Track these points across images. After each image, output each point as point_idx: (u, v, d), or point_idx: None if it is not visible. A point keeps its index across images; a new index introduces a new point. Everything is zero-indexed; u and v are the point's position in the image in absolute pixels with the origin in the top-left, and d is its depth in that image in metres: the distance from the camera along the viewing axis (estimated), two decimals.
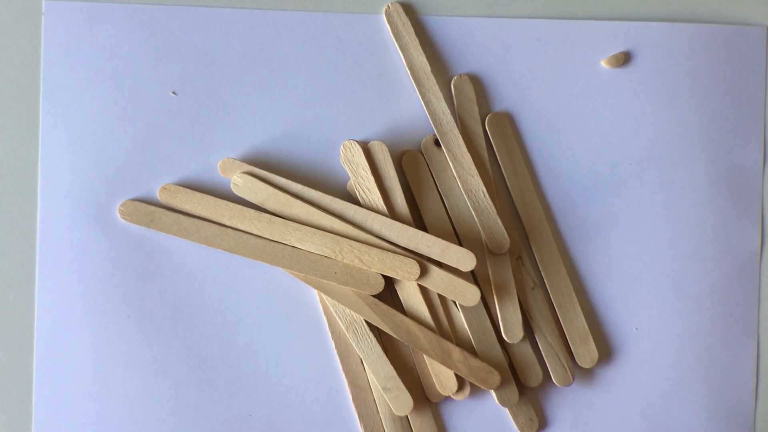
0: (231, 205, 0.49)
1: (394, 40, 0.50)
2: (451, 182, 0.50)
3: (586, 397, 0.52)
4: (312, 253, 0.48)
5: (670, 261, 0.53)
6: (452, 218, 0.51)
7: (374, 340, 0.49)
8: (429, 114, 0.50)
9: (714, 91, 0.53)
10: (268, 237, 0.48)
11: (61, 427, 0.49)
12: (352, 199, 0.50)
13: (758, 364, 0.53)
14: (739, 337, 0.53)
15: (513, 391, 0.50)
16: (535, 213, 0.51)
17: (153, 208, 0.49)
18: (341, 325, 0.49)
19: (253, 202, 0.49)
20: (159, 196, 0.49)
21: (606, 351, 0.53)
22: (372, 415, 0.50)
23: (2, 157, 0.50)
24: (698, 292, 0.53)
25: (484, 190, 0.50)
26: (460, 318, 0.50)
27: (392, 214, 0.49)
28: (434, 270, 0.49)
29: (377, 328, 0.50)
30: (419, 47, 0.50)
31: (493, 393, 0.50)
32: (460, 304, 0.50)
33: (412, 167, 0.50)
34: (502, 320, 0.50)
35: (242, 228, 0.48)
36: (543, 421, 0.52)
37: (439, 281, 0.49)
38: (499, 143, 0.51)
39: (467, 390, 0.50)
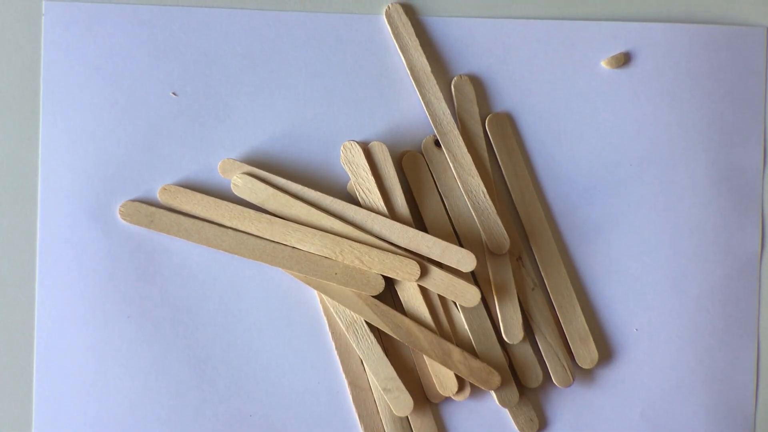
0: (231, 205, 0.49)
1: (395, 40, 0.50)
2: (451, 183, 0.50)
3: (586, 397, 0.52)
4: (312, 254, 0.48)
5: (670, 261, 0.53)
6: (452, 219, 0.51)
7: (374, 340, 0.49)
8: (429, 114, 0.50)
9: (714, 92, 0.53)
10: (268, 238, 0.48)
11: (61, 427, 0.49)
12: (353, 199, 0.50)
13: (758, 364, 0.54)
14: (739, 337, 0.53)
15: (513, 391, 0.50)
16: (535, 213, 0.51)
17: (153, 208, 0.49)
18: (341, 325, 0.49)
19: (254, 202, 0.49)
20: (159, 196, 0.49)
21: (606, 351, 0.53)
22: (372, 415, 0.50)
23: (2, 157, 0.49)
24: (698, 293, 0.53)
25: (485, 190, 0.50)
26: (461, 319, 0.50)
27: (392, 214, 0.49)
28: (434, 271, 0.49)
29: (377, 329, 0.50)
30: (419, 48, 0.50)
31: (493, 393, 0.50)
32: (460, 305, 0.50)
33: (412, 168, 0.50)
34: (502, 321, 0.50)
35: (242, 228, 0.48)
36: (543, 422, 0.52)
37: (439, 282, 0.49)
38: (499, 144, 0.51)
39: (467, 391, 0.50)
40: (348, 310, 0.49)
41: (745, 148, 0.53)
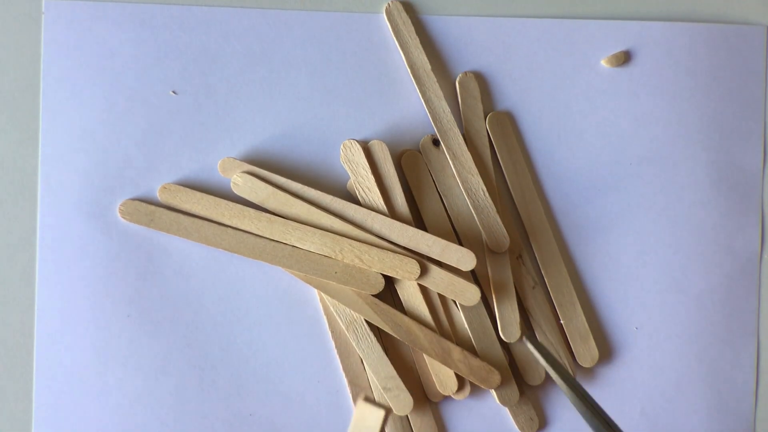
0: (231, 204, 0.49)
1: (395, 38, 0.50)
2: (450, 181, 0.50)
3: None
4: (312, 253, 0.48)
5: (670, 261, 0.53)
6: (452, 217, 0.51)
7: (374, 339, 0.49)
8: (429, 113, 0.50)
9: (714, 91, 0.53)
10: (268, 236, 0.48)
11: (61, 427, 0.49)
12: (352, 198, 0.50)
13: (758, 364, 0.53)
14: (739, 337, 0.53)
15: (513, 390, 0.50)
16: (536, 212, 0.51)
17: (153, 207, 0.49)
18: (341, 324, 0.49)
19: (253, 201, 0.49)
20: (159, 195, 0.49)
21: (606, 350, 0.52)
22: None
23: (2, 157, 0.49)
24: (698, 292, 0.53)
25: (484, 188, 0.50)
26: (461, 317, 0.50)
27: (392, 213, 0.49)
28: (434, 269, 0.49)
29: (377, 328, 0.50)
30: (419, 46, 0.50)
31: (493, 392, 0.50)
32: (460, 304, 0.49)
33: (411, 167, 0.50)
34: (499, 319, 0.50)
35: (242, 227, 0.48)
36: (543, 421, 0.52)
37: (439, 281, 0.49)
38: (499, 142, 0.51)
39: (467, 389, 0.50)
40: (348, 309, 0.49)
41: (745, 148, 0.53)
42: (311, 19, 0.50)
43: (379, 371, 0.49)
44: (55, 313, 0.49)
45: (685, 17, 0.53)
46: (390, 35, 0.51)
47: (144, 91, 0.50)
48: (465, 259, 0.48)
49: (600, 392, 0.52)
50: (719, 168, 0.53)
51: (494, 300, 0.50)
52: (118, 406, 0.50)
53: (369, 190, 0.49)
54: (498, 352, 0.50)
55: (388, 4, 0.50)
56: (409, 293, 0.50)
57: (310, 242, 0.48)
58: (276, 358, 0.50)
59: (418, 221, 0.51)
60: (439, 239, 0.48)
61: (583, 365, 0.51)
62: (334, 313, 0.49)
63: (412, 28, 0.50)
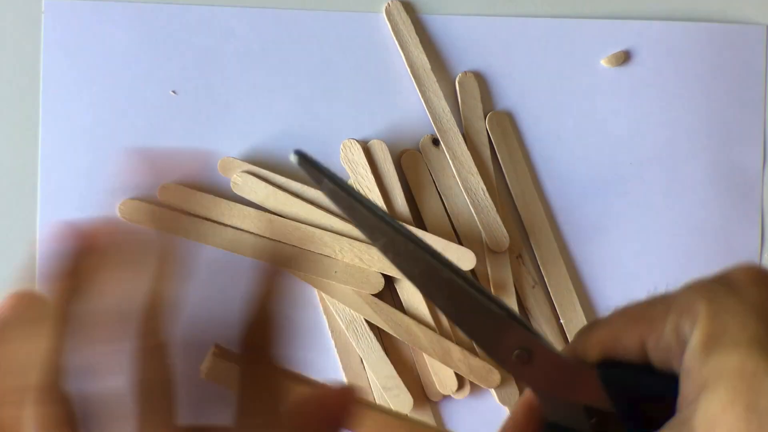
0: (231, 203, 0.49)
1: (394, 38, 0.50)
2: (450, 181, 0.50)
3: None
4: (312, 252, 0.48)
5: (670, 261, 0.53)
6: (452, 217, 0.50)
7: (374, 339, 0.49)
8: (429, 112, 0.50)
9: (714, 91, 0.53)
10: (268, 236, 0.48)
11: None
12: None
13: None
14: None
15: (513, 390, 0.50)
16: (536, 211, 0.51)
17: (153, 207, 0.49)
18: (341, 324, 0.49)
19: (253, 200, 0.49)
20: (159, 195, 0.49)
21: None
22: None
23: (2, 157, 0.49)
24: None
25: (484, 188, 0.50)
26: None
27: (392, 213, 0.49)
28: None
29: (377, 327, 0.50)
30: (419, 45, 0.50)
31: (493, 392, 0.50)
32: None
33: (411, 166, 0.50)
34: None
35: (242, 227, 0.48)
36: None
37: None
38: (499, 142, 0.51)
39: (467, 389, 0.50)
40: (348, 309, 0.49)
41: (745, 148, 0.53)
42: (311, 19, 0.50)
43: (379, 371, 0.49)
44: None
45: (685, 17, 0.53)
46: (390, 35, 0.51)
47: (144, 89, 0.50)
48: (465, 258, 0.48)
49: None
50: (719, 168, 0.53)
51: None
52: None
53: (369, 189, 0.49)
54: None
55: (388, 3, 0.50)
56: (409, 293, 0.49)
57: (310, 242, 0.48)
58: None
59: (418, 221, 0.51)
60: (439, 239, 0.48)
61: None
62: (334, 313, 0.49)
63: (412, 28, 0.50)
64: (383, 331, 0.50)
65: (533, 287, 0.51)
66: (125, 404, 0.23)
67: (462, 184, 0.50)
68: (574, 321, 0.51)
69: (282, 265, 0.26)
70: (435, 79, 0.50)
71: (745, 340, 0.21)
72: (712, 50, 0.53)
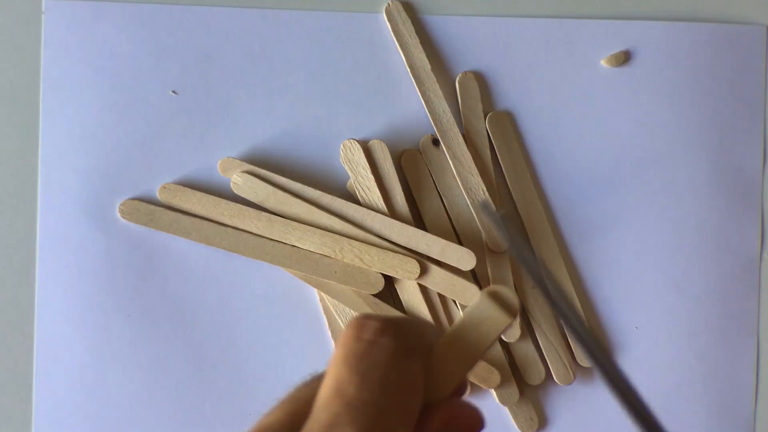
0: (231, 204, 0.49)
1: (394, 38, 0.50)
2: (450, 181, 0.50)
3: (586, 396, 0.52)
4: (312, 252, 0.48)
5: (670, 261, 0.53)
6: (452, 217, 0.50)
7: None
8: (429, 112, 0.50)
9: (714, 91, 0.53)
10: (268, 236, 0.48)
11: (61, 426, 0.49)
12: (352, 198, 0.50)
13: (758, 364, 0.53)
14: (739, 337, 0.53)
15: (513, 389, 0.50)
16: (536, 212, 0.51)
17: (153, 207, 0.49)
18: (341, 324, 0.49)
19: (253, 201, 0.49)
20: (159, 195, 0.49)
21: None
22: None
23: (2, 157, 0.50)
24: (698, 292, 0.53)
25: (484, 188, 0.50)
26: (461, 317, 0.50)
27: (392, 213, 0.49)
28: (434, 269, 0.49)
29: None
30: (419, 45, 0.50)
31: (493, 392, 0.50)
32: (460, 304, 0.49)
33: (411, 166, 0.50)
34: None
35: (242, 227, 0.49)
36: (543, 420, 0.52)
37: (439, 280, 0.49)
38: (499, 142, 0.51)
39: (467, 389, 0.50)
40: (348, 309, 0.49)
41: (745, 148, 0.53)
42: (311, 19, 0.50)
43: None
44: (55, 313, 0.49)
45: (685, 17, 0.53)
46: (390, 35, 0.51)
47: (144, 90, 0.50)
48: (465, 258, 0.48)
49: (600, 392, 0.52)
50: (719, 168, 0.53)
51: None
52: (118, 406, 0.50)
53: (369, 189, 0.49)
54: (498, 351, 0.50)
55: (388, 3, 0.50)
56: (409, 293, 0.50)
57: (310, 242, 0.48)
58: (276, 358, 0.50)
59: (418, 221, 0.51)
60: (439, 239, 0.48)
61: (583, 365, 0.51)
62: (334, 313, 0.49)
63: (412, 28, 0.50)
64: None
65: (533, 287, 0.51)
66: None
67: (462, 184, 0.50)
68: None
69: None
70: (435, 80, 0.50)
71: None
72: (712, 50, 0.53)
